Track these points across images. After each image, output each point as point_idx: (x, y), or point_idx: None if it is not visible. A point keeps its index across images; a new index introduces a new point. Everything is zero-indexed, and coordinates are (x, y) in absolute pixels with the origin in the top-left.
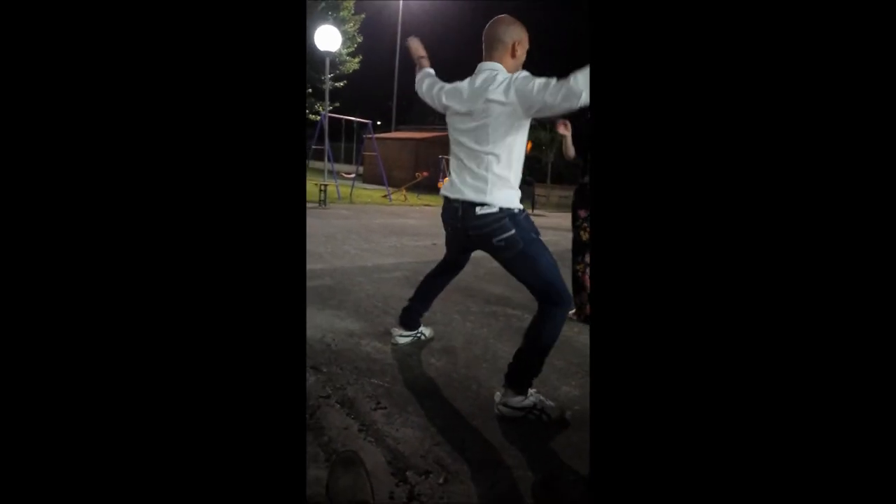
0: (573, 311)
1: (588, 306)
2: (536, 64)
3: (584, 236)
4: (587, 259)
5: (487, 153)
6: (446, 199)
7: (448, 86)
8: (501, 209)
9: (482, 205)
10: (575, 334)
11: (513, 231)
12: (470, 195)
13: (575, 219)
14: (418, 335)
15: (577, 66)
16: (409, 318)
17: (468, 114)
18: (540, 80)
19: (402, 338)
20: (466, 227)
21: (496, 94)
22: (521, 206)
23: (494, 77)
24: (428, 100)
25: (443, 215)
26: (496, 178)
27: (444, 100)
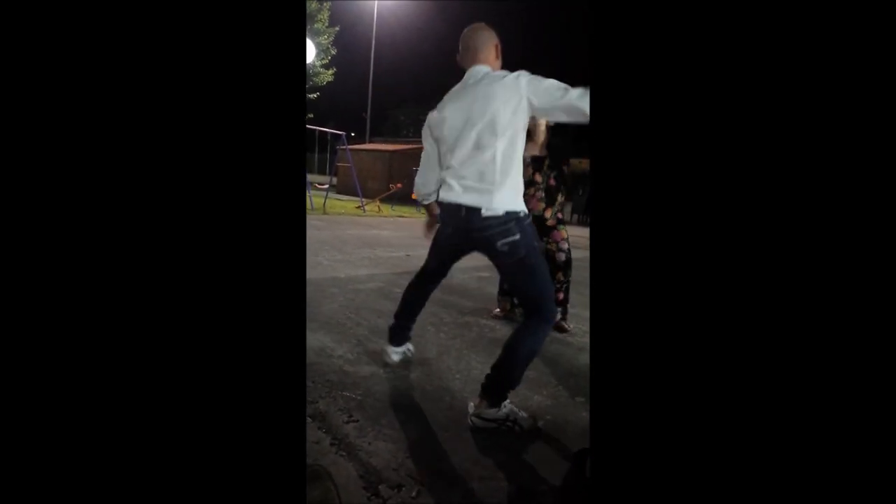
0: (498, 309)
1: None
2: (539, 62)
3: None
4: None
5: (491, 153)
6: (447, 203)
7: (435, 112)
8: (507, 212)
9: (487, 208)
10: (546, 344)
11: (518, 236)
12: (474, 199)
13: None
14: (406, 350)
15: (578, 66)
16: (400, 334)
17: (468, 119)
18: (552, 81)
19: (396, 354)
20: (470, 228)
21: (509, 86)
22: (525, 210)
23: (498, 76)
24: (428, 141)
25: (443, 218)
26: (501, 179)
27: (443, 110)
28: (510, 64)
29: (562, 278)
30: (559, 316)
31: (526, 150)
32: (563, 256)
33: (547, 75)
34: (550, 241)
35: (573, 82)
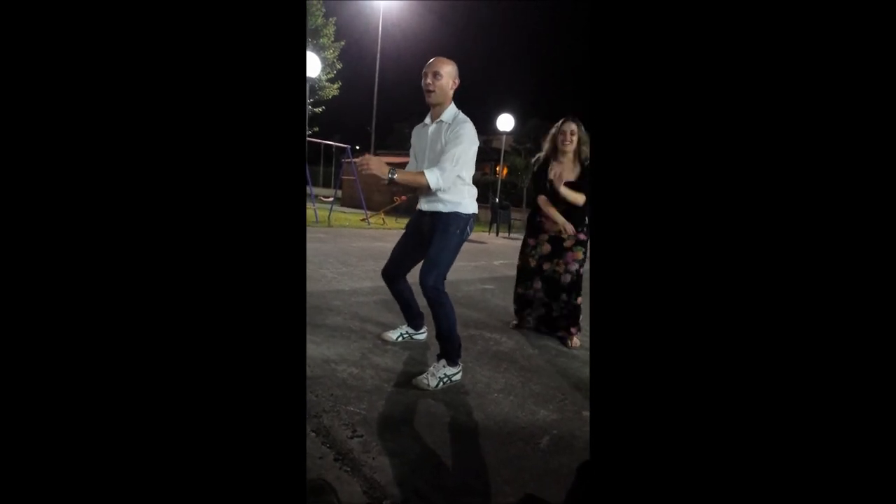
0: (516, 322)
1: (535, 320)
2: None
3: (532, 263)
4: (536, 284)
5: None
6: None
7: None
8: None
9: None
10: (552, 357)
11: None
12: None
13: (525, 246)
14: (406, 333)
15: (577, 66)
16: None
17: None
18: None
19: (419, 335)
20: None
21: None
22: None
23: None
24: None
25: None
26: None
27: None
28: (515, 68)
29: (564, 298)
30: (563, 329)
31: (552, 170)
32: (567, 278)
33: (548, 75)
34: (559, 262)
35: (573, 81)
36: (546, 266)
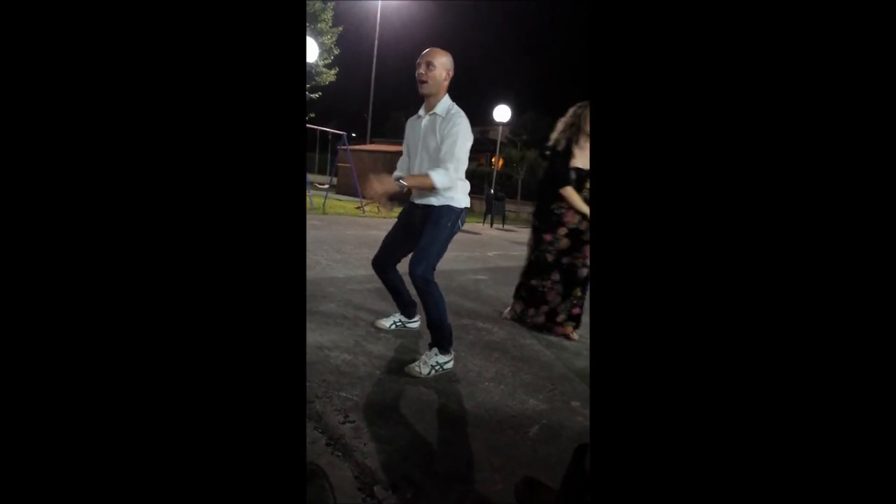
0: (508, 310)
1: (543, 316)
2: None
3: (550, 258)
4: (554, 276)
5: None
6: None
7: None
8: None
9: None
10: (543, 348)
11: None
12: None
13: (539, 243)
14: (400, 321)
15: (577, 66)
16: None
17: None
18: None
19: (412, 323)
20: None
21: None
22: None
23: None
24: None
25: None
26: None
27: None
28: (513, 59)
29: (579, 294)
30: (569, 326)
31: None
32: (584, 272)
33: (548, 76)
34: (579, 255)
35: (570, 74)
36: (565, 260)
